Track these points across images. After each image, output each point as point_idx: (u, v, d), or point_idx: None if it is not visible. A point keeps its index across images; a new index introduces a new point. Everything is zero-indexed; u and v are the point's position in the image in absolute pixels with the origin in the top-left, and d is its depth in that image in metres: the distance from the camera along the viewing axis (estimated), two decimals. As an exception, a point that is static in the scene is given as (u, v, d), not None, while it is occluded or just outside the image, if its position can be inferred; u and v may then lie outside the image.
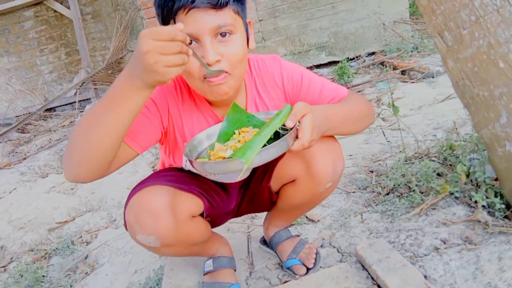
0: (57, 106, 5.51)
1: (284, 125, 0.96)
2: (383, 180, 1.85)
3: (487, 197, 1.43)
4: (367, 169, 2.07)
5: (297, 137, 0.95)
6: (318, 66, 4.75)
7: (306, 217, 1.75)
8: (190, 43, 0.95)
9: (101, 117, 0.88)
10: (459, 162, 1.56)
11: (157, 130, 1.12)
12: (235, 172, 0.89)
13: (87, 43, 5.25)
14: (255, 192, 1.38)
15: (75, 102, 5.24)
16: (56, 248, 2.01)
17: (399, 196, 1.70)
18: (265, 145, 0.91)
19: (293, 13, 4.63)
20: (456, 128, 2.24)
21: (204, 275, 1.42)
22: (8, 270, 1.95)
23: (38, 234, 2.22)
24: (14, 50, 5.60)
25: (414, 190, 1.63)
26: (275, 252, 1.51)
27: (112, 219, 2.24)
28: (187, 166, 1.26)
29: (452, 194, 1.57)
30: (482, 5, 1.22)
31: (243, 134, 1.08)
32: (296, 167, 1.19)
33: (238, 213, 1.48)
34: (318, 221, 1.72)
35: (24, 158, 3.75)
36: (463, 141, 1.73)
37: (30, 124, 4.92)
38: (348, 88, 1.21)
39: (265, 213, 1.55)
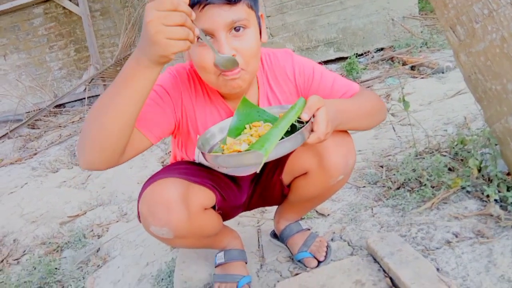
0: (66, 102, 5.54)
1: (299, 118, 0.96)
2: (394, 174, 1.84)
3: (499, 191, 1.43)
4: (377, 164, 2.06)
5: (311, 130, 0.96)
6: (326, 62, 4.74)
7: (316, 211, 1.76)
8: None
9: (112, 100, 0.89)
10: (471, 156, 1.55)
11: (170, 120, 1.12)
12: (253, 165, 0.89)
13: (96, 40, 5.27)
14: (267, 186, 1.38)
15: (84, 98, 5.27)
16: (68, 241, 2.03)
17: (410, 190, 1.70)
18: (281, 138, 0.91)
19: (301, 9, 4.62)
20: (467, 123, 2.23)
21: (215, 267, 1.43)
22: (21, 262, 1.98)
23: (50, 228, 2.25)
24: (24, 47, 5.64)
25: (425, 185, 1.63)
26: (286, 245, 1.51)
27: (123, 213, 2.26)
28: (199, 159, 1.27)
29: (463, 188, 1.57)
30: (495, -3, 1.21)
31: (255, 128, 1.08)
32: (309, 160, 1.20)
33: (249, 206, 1.49)
34: (328, 215, 1.73)
35: (35, 154, 3.78)
36: (475, 135, 1.72)
37: (40, 120, 4.96)
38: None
39: (275, 207, 1.56)
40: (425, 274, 1.12)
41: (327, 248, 1.44)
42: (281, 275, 1.42)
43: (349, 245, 1.50)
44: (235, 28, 0.99)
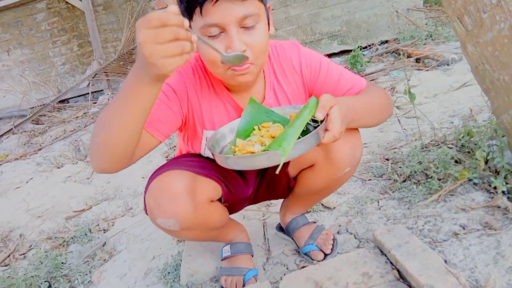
0: (70, 98, 5.56)
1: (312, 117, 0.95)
2: (400, 167, 1.83)
3: (506, 183, 1.42)
4: (382, 157, 2.05)
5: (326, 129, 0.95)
6: (330, 55, 4.71)
7: (322, 204, 1.75)
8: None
9: (116, 114, 0.89)
10: (478, 148, 1.54)
11: (178, 117, 1.12)
12: (270, 165, 0.88)
13: (99, 35, 5.27)
14: (273, 178, 1.38)
15: (88, 93, 5.29)
16: (74, 236, 2.04)
17: (416, 183, 1.69)
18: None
19: (305, 2, 4.59)
20: (473, 115, 2.21)
21: (222, 260, 1.43)
22: (28, 257, 1.99)
23: (56, 223, 2.26)
24: (27, 42, 5.65)
25: (431, 177, 1.62)
26: (292, 239, 1.51)
27: (128, 207, 2.26)
28: (205, 152, 1.26)
29: (470, 180, 1.56)
30: (504, -14, 1.19)
31: (265, 129, 1.07)
32: (315, 152, 1.19)
33: (255, 199, 1.48)
34: (334, 208, 1.72)
35: (40, 149, 3.80)
36: (482, 127, 1.71)
37: (45, 115, 4.98)
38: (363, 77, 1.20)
39: (280, 201, 1.55)
40: (432, 266, 1.11)
41: (333, 241, 1.44)
42: (287, 268, 1.42)
43: (355, 238, 1.49)
44: (246, 23, 0.98)
